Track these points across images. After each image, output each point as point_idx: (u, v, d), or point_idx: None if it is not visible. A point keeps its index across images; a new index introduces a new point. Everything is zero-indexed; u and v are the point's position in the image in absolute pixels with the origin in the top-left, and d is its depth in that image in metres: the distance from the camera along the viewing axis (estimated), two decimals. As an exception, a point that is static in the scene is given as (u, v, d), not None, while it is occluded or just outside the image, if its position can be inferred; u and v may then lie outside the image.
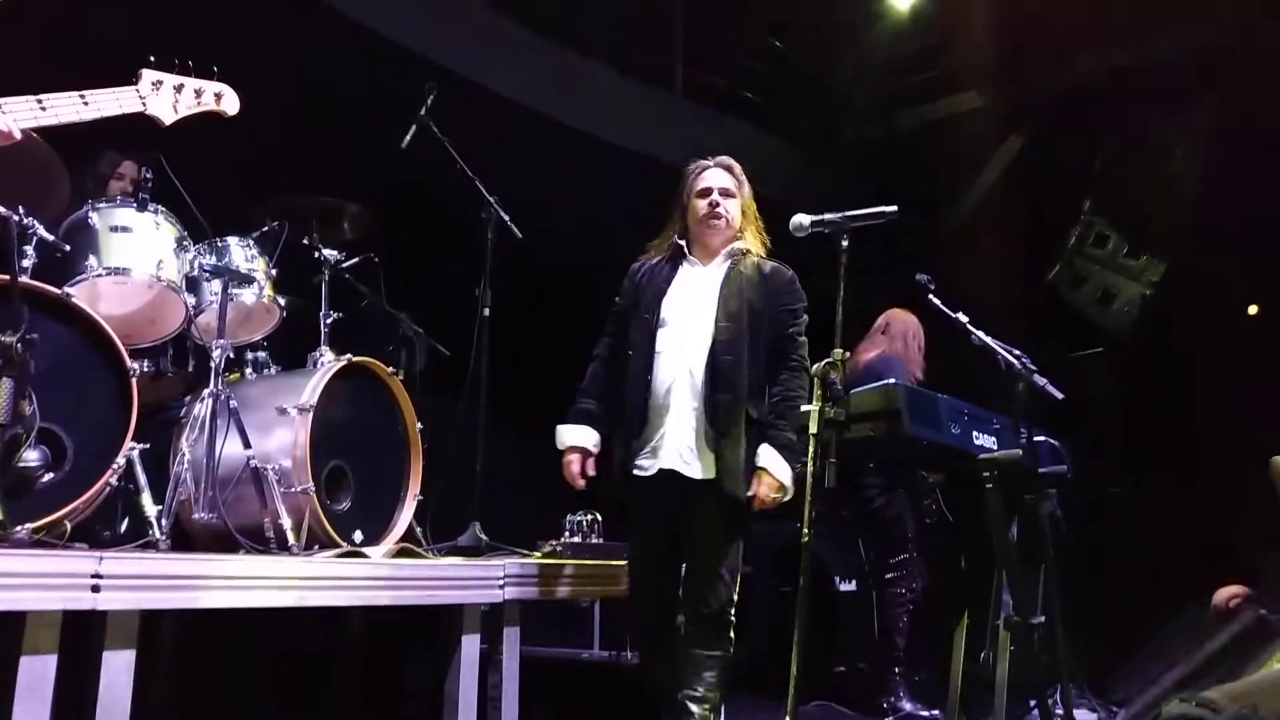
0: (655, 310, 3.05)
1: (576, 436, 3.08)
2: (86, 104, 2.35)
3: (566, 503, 3.94)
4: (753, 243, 3.13)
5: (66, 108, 2.30)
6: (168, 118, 2.60)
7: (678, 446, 2.95)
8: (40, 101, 2.25)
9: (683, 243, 3.13)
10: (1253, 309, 6.81)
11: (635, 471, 2.99)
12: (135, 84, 2.53)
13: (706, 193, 3.10)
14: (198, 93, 2.67)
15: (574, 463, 3.07)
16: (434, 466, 3.86)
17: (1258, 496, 5.79)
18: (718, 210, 3.08)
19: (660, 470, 2.97)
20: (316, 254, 4.02)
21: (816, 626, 4.62)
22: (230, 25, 4.29)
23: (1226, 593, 4.43)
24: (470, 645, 3.25)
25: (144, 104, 2.54)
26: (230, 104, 2.77)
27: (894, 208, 2.57)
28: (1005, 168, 6.97)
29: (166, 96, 2.59)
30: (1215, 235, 6.13)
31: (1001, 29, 6.51)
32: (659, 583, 3.06)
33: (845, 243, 2.54)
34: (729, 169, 3.16)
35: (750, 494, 2.90)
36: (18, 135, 2.18)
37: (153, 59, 2.57)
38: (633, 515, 3.10)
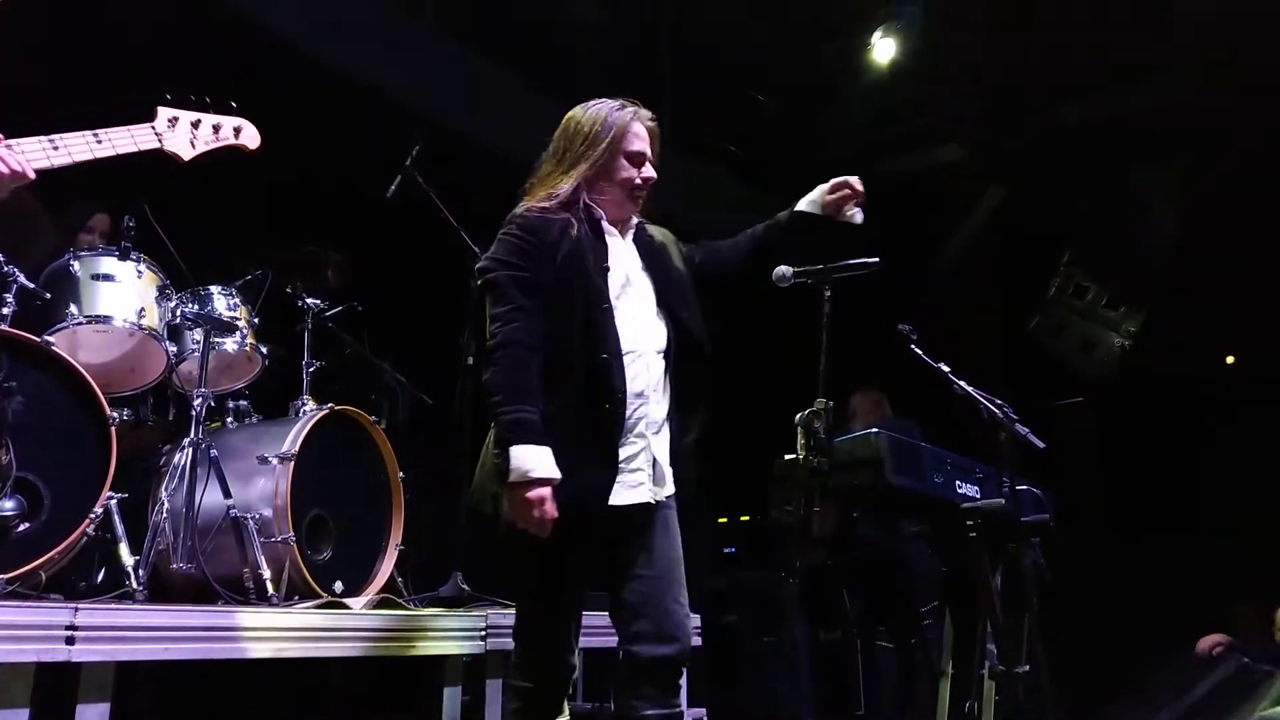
0: (602, 292, 2.35)
1: (545, 463, 2.18)
2: (100, 142, 2.29)
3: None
4: None
5: (80, 147, 2.24)
6: (185, 154, 2.52)
7: (657, 470, 2.39)
8: (52, 141, 2.20)
9: (595, 207, 2.45)
10: (1229, 359, 6.90)
11: (613, 502, 2.29)
12: (151, 121, 2.47)
13: (639, 159, 2.47)
14: (216, 128, 2.59)
15: (548, 500, 2.17)
16: (416, 516, 3.83)
17: (1235, 546, 5.84)
18: (648, 184, 2.50)
19: (640, 504, 2.35)
20: (300, 302, 4.03)
21: (799, 676, 4.61)
22: (214, 74, 4.33)
23: (1209, 641, 4.45)
24: (452, 697, 3.21)
25: (160, 140, 2.47)
26: (250, 138, 2.67)
27: (876, 259, 2.58)
28: (986, 219, 7.06)
29: (184, 133, 2.51)
30: (1192, 286, 6.22)
31: (982, 82, 6.63)
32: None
33: (828, 293, 2.55)
34: (656, 137, 2.55)
35: None
36: (31, 175, 2.15)
37: (168, 96, 2.52)
38: (572, 554, 2.33)
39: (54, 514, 2.84)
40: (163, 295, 3.50)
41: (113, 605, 2.63)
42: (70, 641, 2.31)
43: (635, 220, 2.54)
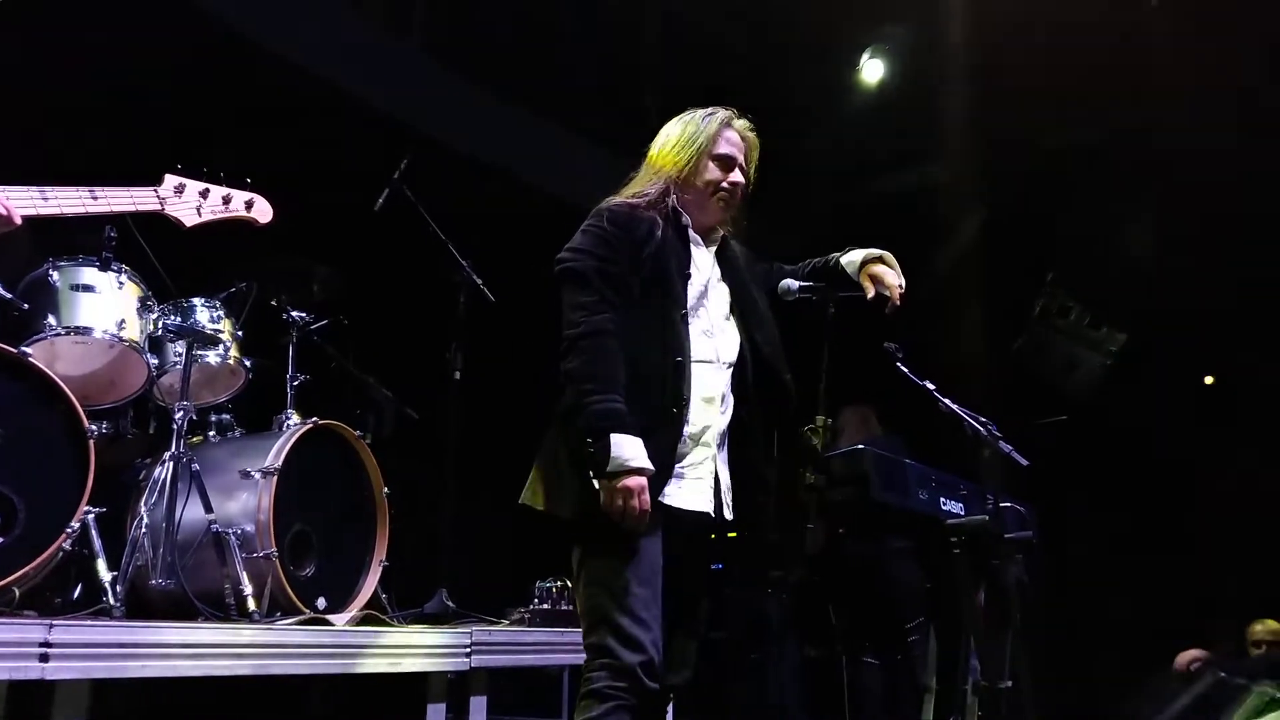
0: (681, 298, 2.33)
1: (641, 453, 2.15)
2: (95, 199, 2.27)
3: (536, 569, 3.89)
4: None
5: (71, 201, 2.23)
6: (189, 220, 2.51)
7: (719, 486, 2.37)
8: (43, 193, 2.19)
9: (683, 212, 2.44)
10: (1208, 379, 6.96)
11: (673, 503, 2.27)
12: (156, 186, 2.47)
13: (729, 162, 2.44)
14: (226, 199, 2.58)
15: (645, 490, 2.13)
16: (401, 532, 3.80)
17: (1212, 564, 5.88)
18: (738, 189, 2.47)
19: (699, 511, 2.32)
20: (284, 315, 4.00)
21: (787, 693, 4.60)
22: (201, 88, 4.32)
23: (1187, 656, 4.48)
24: (436, 714, 3.18)
25: (162, 205, 2.45)
26: (262, 213, 2.65)
27: (872, 292, 2.55)
28: (970, 238, 7.11)
29: (190, 200, 2.50)
30: (1172, 307, 6.28)
31: (966, 103, 6.69)
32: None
33: (832, 310, 2.53)
34: (754, 146, 2.52)
35: None
36: (18, 221, 2.14)
37: (180, 166, 2.51)
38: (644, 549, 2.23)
39: (29, 528, 2.80)
40: (144, 307, 3.47)
41: (89, 622, 2.59)
42: (44, 659, 2.27)
43: (721, 232, 2.53)
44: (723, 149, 2.44)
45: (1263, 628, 4.59)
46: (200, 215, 2.52)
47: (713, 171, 2.43)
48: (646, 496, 2.14)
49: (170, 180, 2.49)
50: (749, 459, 2.42)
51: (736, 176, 2.45)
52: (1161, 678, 4.51)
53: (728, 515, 2.38)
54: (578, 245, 2.33)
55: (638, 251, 2.31)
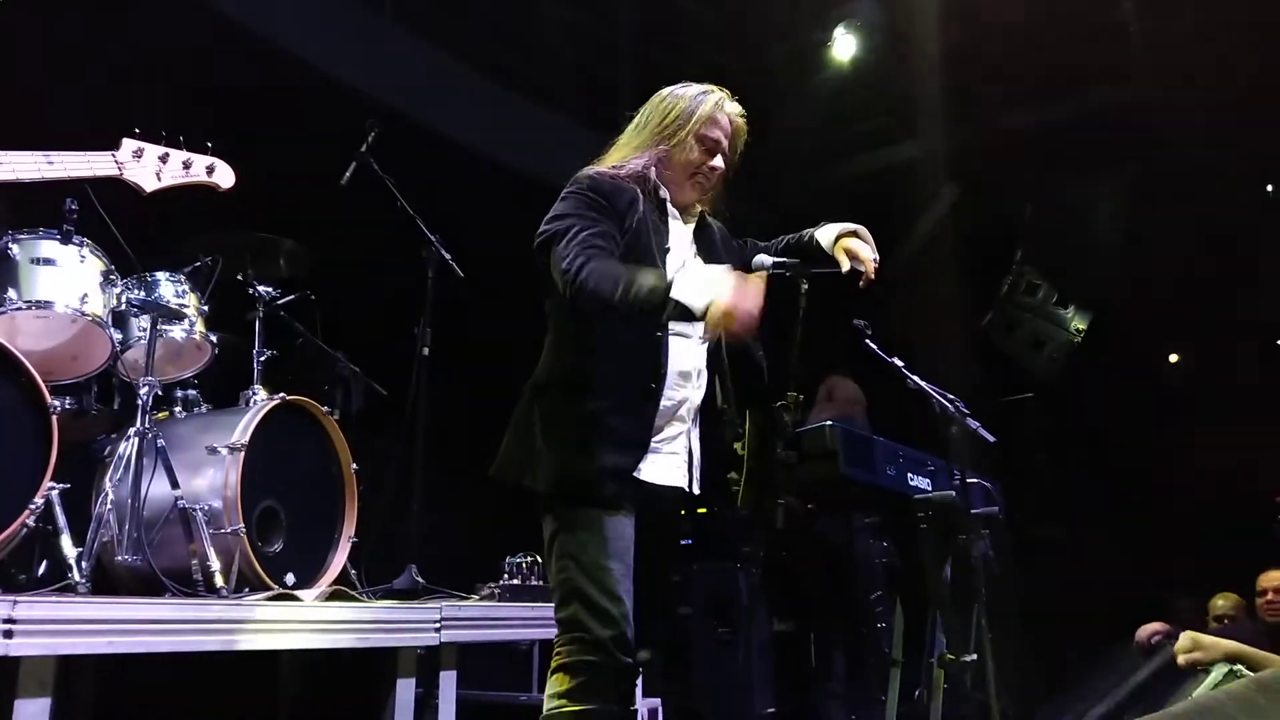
0: (661, 272, 2.24)
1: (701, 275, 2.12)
2: (51, 164, 2.24)
3: (505, 545, 3.90)
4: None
5: (27, 166, 2.19)
6: (148, 185, 2.47)
7: (693, 461, 2.39)
8: None
9: (663, 186, 2.42)
10: (1173, 357, 7.06)
11: (647, 478, 2.28)
12: (114, 151, 2.42)
13: (714, 147, 2.42)
14: (186, 164, 2.54)
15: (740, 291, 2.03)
16: (369, 508, 3.79)
17: (1174, 538, 5.99)
18: (715, 174, 2.45)
19: (673, 486, 2.34)
20: (251, 290, 3.96)
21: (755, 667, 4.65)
22: (166, 57, 4.25)
23: (1148, 630, 4.55)
24: (405, 689, 3.19)
25: (120, 169, 2.41)
26: (224, 177, 2.62)
27: (847, 267, 2.54)
28: (941, 217, 7.15)
29: (149, 165, 2.46)
30: (1138, 286, 6.36)
31: (939, 82, 6.70)
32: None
33: (805, 287, 2.53)
34: (741, 132, 2.49)
35: None
36: None
37: (137, 130, 2.46)
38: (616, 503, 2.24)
39: (-8, 505, 2.77)
40: (107, 281, 3.41)
41: (54, 598, 2.57)
42: (9, 635, 2.25)
43: (699, 209, 2.52)
44: (711, 132, 2.41)
45: (1224, 601, 4.68)
46: (160, 180, 2.48)
47: (696, 153, 2.40)
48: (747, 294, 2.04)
49: (128, 145, 2.44)
50: (721, 435, 2.44)
51: (718, 162, 2.43)
52: (1123, 651, 4.58)
53: (697, 490, 2.39)
54: (560, 212, 2.31)
55: (620, 221, 2.29)
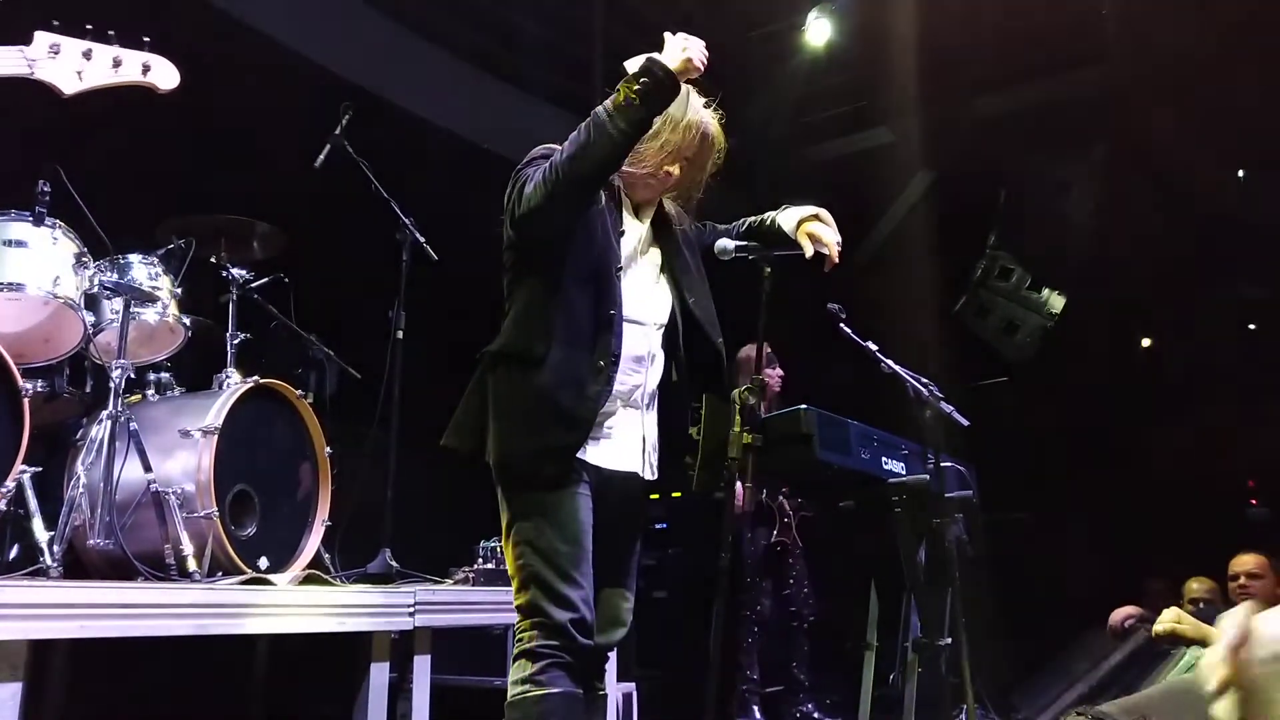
0: (616, 256, 2.34)
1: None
2: None
3: (479, 529, 3.90)
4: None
5: None
6: (69, 87, 2.12)
7: (639, 446, 2.39)
8: None
9: (617, 178, 2.42)
10: (1145, 341, 7.12)
11: (599, 463, 2.30)
12: (23, 46, 2.11)
13: (679, 158, 2.42)
14: (116, 61, 2.20)
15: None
16: (343, 492, 3.78)
17: (1147, 522, 6.05)
18: (672, 178, 2.45)
19: (628, 471, 2.37)
20: (224, 273, 3.93)
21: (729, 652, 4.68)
22: (137, 35, 4.20)
23: (1121, 614, 4.60)
24: (379, 673, 3.19)
25: (31, 67, 2.08)
26: (163, 77, 2.27)
27: (811, 251, 2.55)
28: (915, 202, 7.18)
29: (69, 63, 2.12)
30: (1112, 270, 6.40)
31: (913, 67, 6.72)
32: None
33: (768, 270, 2.54)
34: (711, 148, 2.47)
35: None
36: None
37: (55, 23, 2.12)
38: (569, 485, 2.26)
39: (-38, 488, 2.75)
40: (80, 263, 3.38)
41: (25, 582, 2.55)
42: (-20, 619, 2.24)
43: (662, 213, 2.53)
44: (688, 154, 2.41)
45: (1198, 585, 4.73)
46: (82, 80, 2.16)
47: (668, 164, 2.40)
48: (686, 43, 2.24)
49: (42, 38, 2.13)
50: (676, 420, 2.45)
51: (674, 169, 2.41)
52: (1096, 634, 4.63)
53: (651, 475, 2.41)
54: (522, 175, 2.31)
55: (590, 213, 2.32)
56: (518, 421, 2.25)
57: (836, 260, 2.46)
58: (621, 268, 2.34)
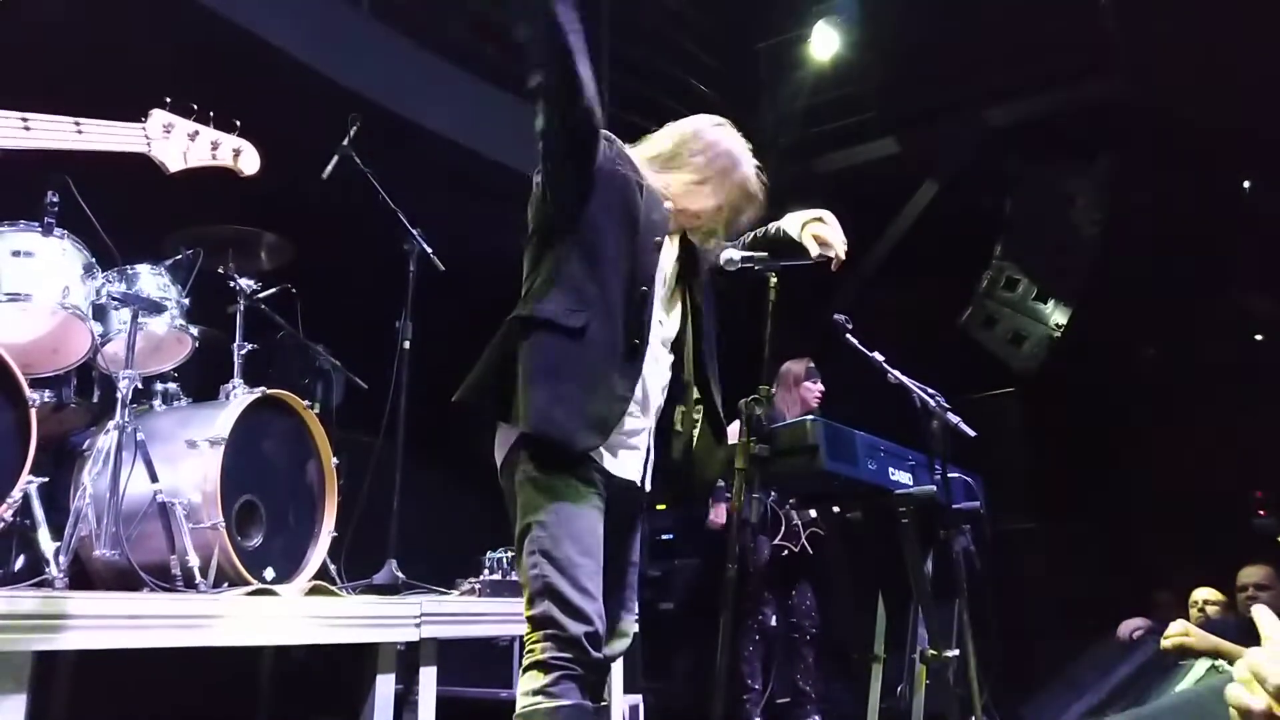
0: (658, 229, 2.33)
1: None
2: (80, 133, 2.07)
3: (486, 540, 3.89)
4: None
5: (54, 134, 2.03)
6: (174, 165, 2.27)
7: (642, 457, 2.37)
8: (25, 120, 2.00)
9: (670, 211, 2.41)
10: (1151, 351, 7.10)
11: (609, 468, 2.28)
12: (143, 122, 2.24)
13: (720, 210, 2.43)
14: (214, 145, 2.36)
15: None
16: (349, 502, 3.78)
17: (1155, 534, 6.03)
18: (703, 225, 2.46)
19: (629, 480, 2.34)
20: (232, 283, 3.93)
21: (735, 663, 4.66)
22: (148, 48, 4.22)
23: (1130, 625, 4.59)
24: (385, 685, 3.18)
25: (149, 145, 2.22)
26: (249, 163, 2.45)
27: (819, 254, 2.54)
28: (921, 212, 7.18)
29: (178, 143, 2.27)
30: (1116, 280, 6.39)
31: (918, 79, 6.73)
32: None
33: (774, 280, 2.53)
34: (752, 201, 2.48)
35: None
36: None
37: (168, 100, 2.27)
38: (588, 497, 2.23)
39: (-32, 499, 2.74)
40: (88, 273, 3.38)
41: (30, 592, 2.55)
42: (-15, 629, 2.24)
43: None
44: (736, 199, 2.41)
45: (1205, 595, 4.71)
46: (186, 161, 2.30)
47: (706, 201, 2.41)
48: None
49: (158, 117, 2.26)
50: (671, 434, 2.42)
51: (717, 217, 2.43)
52: (1105, 646, 4.61)
53: (648, 486, 2.39)
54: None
55: (625, 174, 2.30)
56: (565, 391, 2.18)
57: (843, 259, 2.46)
58: (660, 240, 2.32)
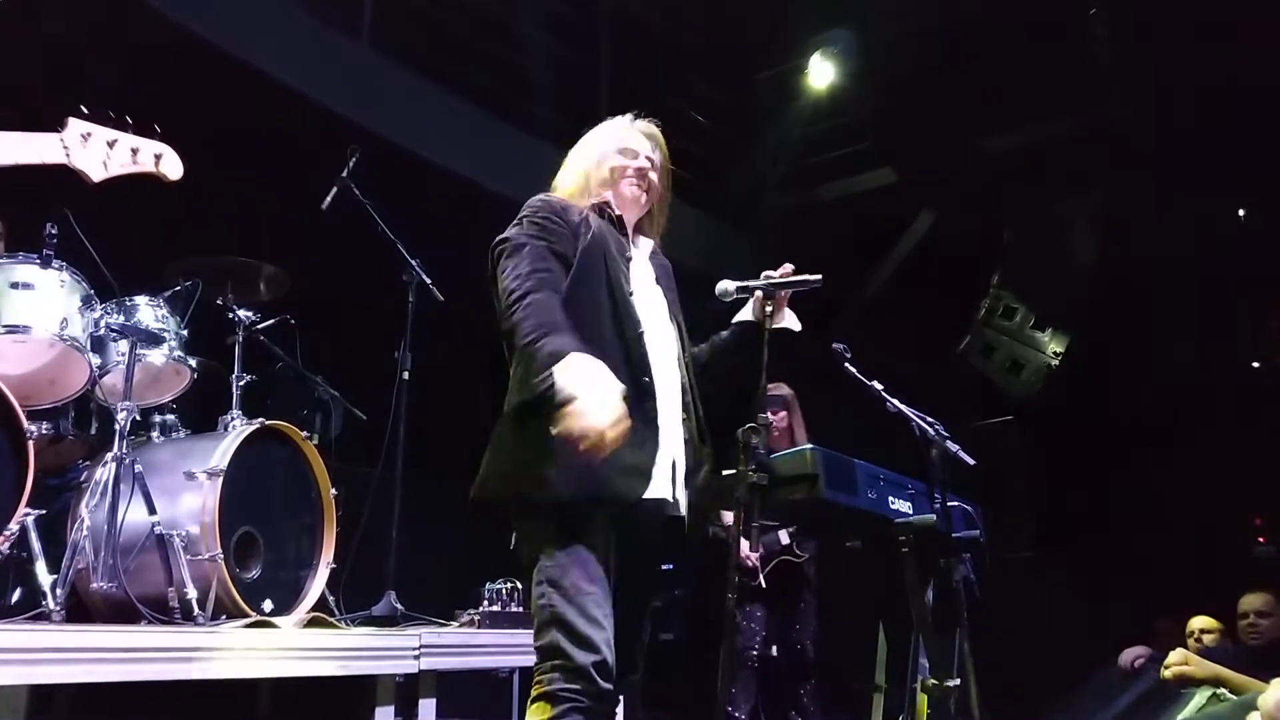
0: (628, 279, 2.33)
1: (601, 368, 2.04)
2: None
3: (485, 571, 3.88)
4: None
5: None
6: (96, 174, 2.26)
7: (676, 473, 2.30)
8: None
9: (612, 204, 2.46)
10: (1150, 379, 7.10)
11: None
12: (59, 132, 2.23)
13: (632, 152, 2.51)
14: (134, 151, 2.34)
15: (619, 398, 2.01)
16: (348, 534, 3.77)
17: (1156, 562, 6.01)
18: (645, 173, 2.50)
19: (658, 499, 2.25)
20: (230, 315, 3.95)
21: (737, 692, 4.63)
22: (147, 80, 4.25)
23: (1131, 654, 4.57)
24: (384, 717, 3.16)
25: (68, 155, 2.21)
26: (171, 167, 2.43)
27: (819, 276, 2.54)
28: (919, 241, 7.21)
29: (96, 151, 2.26)
30: (1115, 308, 6.41)
31: (915, 109, 6.78)
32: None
33: (769, 309, 2.52)
34: (660, 144, 2.57)
35: None
36: None
37: (84, 109, 2.26)
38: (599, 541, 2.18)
39: (-35, 531, 2.74)
40: (86, 305, 3.39)
41: (27, 625, 2.54)
42: (-18, 663, 2.22)
43: (651, 242, 2.55)
44: (627, 143, 2.52)
45: (1203, 623, 4.70)
46: (107, 169, 2.30)
47: (617, 159, 2.50)
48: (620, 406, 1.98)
49: (76, 126, 2.25)
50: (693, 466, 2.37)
51: (641, 161, 2.50)
52: (1106, 675, 4.59)
53: (681, 510, 2.32)
54: (513, 230, 2.32)
55: (574, 235, 2.30)
56: (576, 469, 2.09)
57: (819, 276, 2.45)
58: (633, 291, 2.34)
